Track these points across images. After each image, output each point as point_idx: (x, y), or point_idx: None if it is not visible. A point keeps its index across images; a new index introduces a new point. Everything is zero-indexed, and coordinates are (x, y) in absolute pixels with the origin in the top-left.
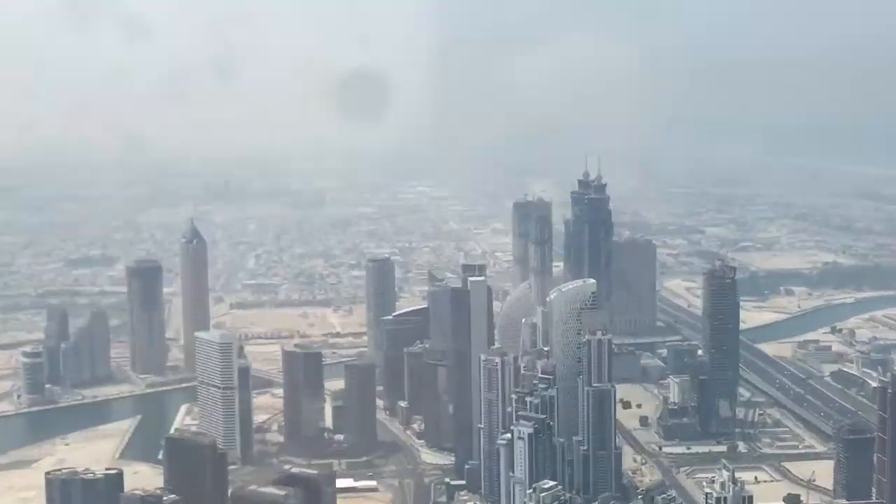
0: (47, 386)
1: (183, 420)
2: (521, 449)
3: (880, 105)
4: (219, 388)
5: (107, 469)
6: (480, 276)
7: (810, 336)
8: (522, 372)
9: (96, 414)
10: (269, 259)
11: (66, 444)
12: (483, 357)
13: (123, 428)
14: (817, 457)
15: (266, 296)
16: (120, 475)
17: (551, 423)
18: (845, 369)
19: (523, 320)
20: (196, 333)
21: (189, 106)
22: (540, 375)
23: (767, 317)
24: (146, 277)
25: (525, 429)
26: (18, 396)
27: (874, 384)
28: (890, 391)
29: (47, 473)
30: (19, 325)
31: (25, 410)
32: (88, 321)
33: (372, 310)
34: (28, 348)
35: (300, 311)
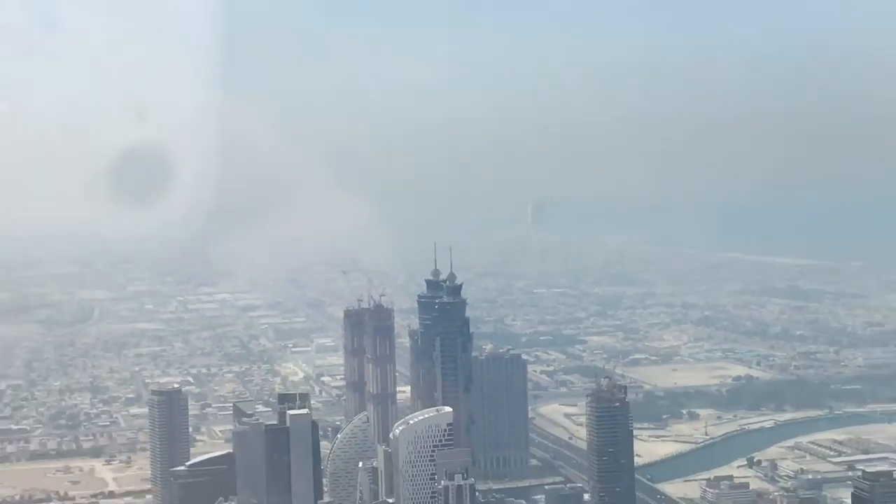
0: None
1: None
2: None
3: (792, 185)
4: None
5: None
6: (303, 408)
7: (722, 471)
8: None
9: None
10: (17, 397)
11: None
12: None
13: None
14: None
15: (13, 446)
16: None
17: None
18: None
19: (360, 464)
20: None
21: None
22: None
23: (668, 448)
24: None
25: None
26: None
27: None
28: None
29: None
30: None
31: None
32: None
33: (158, 459)
34: None
35: (60, 464)
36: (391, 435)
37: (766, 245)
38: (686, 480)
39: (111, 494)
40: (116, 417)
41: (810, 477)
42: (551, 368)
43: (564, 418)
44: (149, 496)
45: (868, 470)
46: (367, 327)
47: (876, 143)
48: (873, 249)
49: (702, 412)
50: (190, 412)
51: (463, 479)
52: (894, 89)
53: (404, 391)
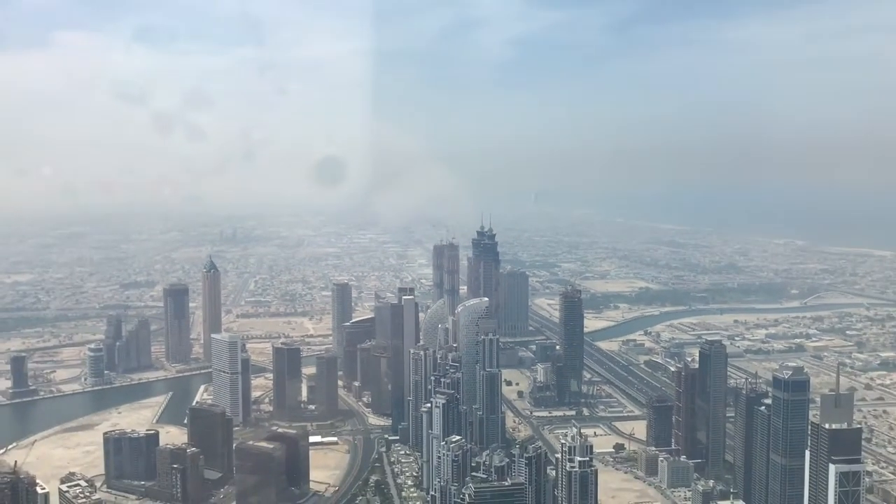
0: (106, 372)
1: (202, 396)
2: (437, 414)
3: (676, 183)
4: (227, 373)
5: (147, 430)
6: (410, 295)
7: (630, 336)
8: (438, 361)
9: (141, 391)
10: (264, 284)
11: (119, 413)
12: (412, 351)
13: (160, 401)
14: (635, 418)
15: (261, 309)
16: (156, 435)
17: (458, 396)
18: (654, 359)
19: (439, 325)
20: (212, 335)
21: (225, 179)
22: (450, 363)
23: (602, 324)
24: (177, 296)
25: (440, 400)
26: (84, 379)
27: (672, 369)
28: (683, 374)
29: (105, 433)
30: (86, 329)
31: (90, 389)
32: (136, 326)
33: (336, 318)
34: (92, 345)
35: (285, 319)
36: (456, 311)
37: (659, 217)
38: (611, 341)
39: (311, 335)
40: (315, 296)
41: (677, 341)
42: (541, 280)
43: (548, 306)
44: (331, 337)
45: (708, 339)
46: (444, 255)
47: (729, 165)
48: (719, 222)
49: (621, 305)
50: (352, 295)
51: (493, 335)
52: (752, 133)
53: (463, 288)
